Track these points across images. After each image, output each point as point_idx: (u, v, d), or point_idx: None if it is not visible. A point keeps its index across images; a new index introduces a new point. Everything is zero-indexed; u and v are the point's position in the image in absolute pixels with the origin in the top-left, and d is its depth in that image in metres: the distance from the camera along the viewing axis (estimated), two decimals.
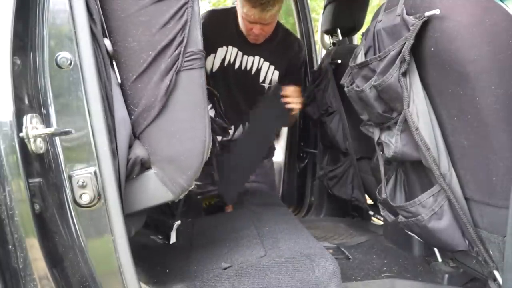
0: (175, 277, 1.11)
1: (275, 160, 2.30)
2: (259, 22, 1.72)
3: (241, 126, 2.00)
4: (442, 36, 0.99)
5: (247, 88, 1.94)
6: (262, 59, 1.90)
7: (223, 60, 1.87)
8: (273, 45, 1.89)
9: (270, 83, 1.94)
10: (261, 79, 1.93)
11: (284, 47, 1.93)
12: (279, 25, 1.91)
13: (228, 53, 1.88)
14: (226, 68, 1.88)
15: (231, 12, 1.87)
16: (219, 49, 1.85)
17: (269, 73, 1.93)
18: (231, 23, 1.85)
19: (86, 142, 0.80)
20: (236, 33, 1.85)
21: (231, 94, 1.91)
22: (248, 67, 1.91)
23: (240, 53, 1.88)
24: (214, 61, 1.86)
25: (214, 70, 1.88)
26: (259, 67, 1.91)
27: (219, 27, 1.84)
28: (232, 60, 1.88)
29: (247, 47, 1.87)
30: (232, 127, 1.97)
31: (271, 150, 2.24)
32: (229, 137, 2.02)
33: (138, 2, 0.90)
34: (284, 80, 1.96)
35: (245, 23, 1.76)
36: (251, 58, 1.90)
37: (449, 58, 0.98)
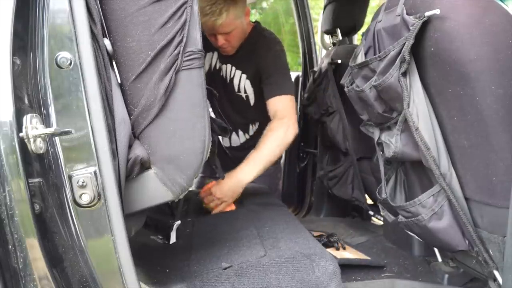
0: (175, 277, 1.11)
1: None
2: (215, 32, 1.68)
3: (234, 133, 2.00)
4: (442, 36, 0.99)
5: (230, 95, 1.91)
6: (234, 67, 1.86)
7: (210, 65, 1.86)
8: (242, 51, 1.84)
9: (245, 92, 1.90)
10: (235, 88, 1.89)
11: (251, 51, 1.83)
12: (256, 30, 1.86)
13: (213, 58, 1.87)
14: (212, 74, 1.87)
15: None
16: (207, 54, 1.84)
17: (241, 82, 1.88)
18: None
19: (86, 142, 0.80)
20: None
21: (220, 101, 1.87)
22: (225, 75, 1.89)
23: (219, 60, 1.86)
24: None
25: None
26: (232, 75, 1.88)
27: None
28: (217, 67, 1.87)
29: (222, 55, 1.85)
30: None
31: None
32: (228, 144, 2.02)
33: (138, 2, 0.90)
34: (264, 88, 1.81)
35: (208, 35, 1.72)
36: (224, 66, 1.87)
37: (449, 58, 0.98)
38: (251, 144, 2.03)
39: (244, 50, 1.83)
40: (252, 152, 1.68)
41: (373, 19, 1.27)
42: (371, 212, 1.95)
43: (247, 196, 1.79)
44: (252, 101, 1.93)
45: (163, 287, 1.05)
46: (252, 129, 2.03)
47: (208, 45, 1.81)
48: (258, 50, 1.82)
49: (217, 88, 1.86)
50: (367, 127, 1.37)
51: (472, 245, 1.07)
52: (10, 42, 0.75)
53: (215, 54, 1.87)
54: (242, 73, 1.87)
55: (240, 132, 2.01)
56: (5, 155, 0.73)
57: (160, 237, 1.48)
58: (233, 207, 1.71)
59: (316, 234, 1.62)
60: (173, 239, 1.44)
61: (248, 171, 1.64)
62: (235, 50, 1.81)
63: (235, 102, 1.93)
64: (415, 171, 1.25)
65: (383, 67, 1.10)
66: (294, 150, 2.48)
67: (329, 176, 2.02)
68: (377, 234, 1.80)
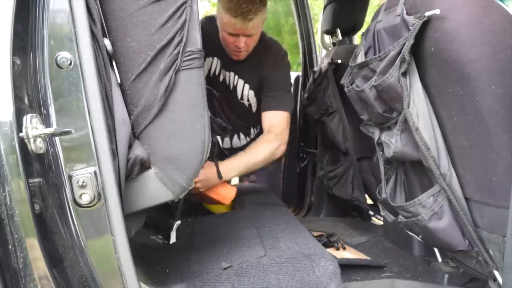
0: (175, 277, 1.11)
1: None
2: (242, 34, 1.65)
3: (236, 136, 1.99)
4: (442, 36, 0.99)
5: (231, 101, 1.91)
6: (236, 76, 1.85)
7: (209, 70, 1.84)
8: (247, 61, 1.81)
9: (248, 100, 1.89)
10: (238, 96, 1.89)
11: (257, 62, 1.82)
12: (263, 41, 1.84)
13: (213, 64, 1.85)
14: (212, 79, 1.85)
15: None
16: (207, 59, 1.82)
17: (244, 91, 1.87)
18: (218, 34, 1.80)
19: (86, 142, 0.80)
20: (221, 45, 1.80)
21: (220, 105, 1.84)
22: (227, 82, 1.88)
23: (221, 66, 1.84)
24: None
25: None
26: (235, 84, 1.87)
27: (210, 35, 1.76)
28: (217, 72, 1.86)
29: (226, 62, 1.83)
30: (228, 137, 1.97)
31: None
32: (229, 145, 2.02)
33: (137, 2, 0.90)
34: (263, 99, 1.84)
35: (226, 37, 1.69)
36: (227, 73, 1.86)
37: (449, 58, 0.98)
38: None
39: (249, 60, 1.81)
40: (241, 153, 1.70)
41: (373, 19, 1.27)
42: (371, 212, 1.95)
43: (247, 196, 1.79)
44: (254, 109, 1.94)
45: (163, 287, 1.05)
46: (254, 132, 2.03)
47: (208, 50, 1.79)
48: (265, 64, 1.82)
49: (218, 92, 1.85)
50: (367, 127, 1.37)
51: (472, 245, 1.07)
52: (10, 42, 0.75)
53: (215, 60, 1.85)
54: (245, 83, 1.86)
55: (242, 135, 2.02)
56: (5, 155, 0.73)
57: (160, 237, 1.48)
58: (226, 186, 1.67)
59: (316, 234, 1.62)
60: (173, 239, 1.44)
61: (231, 170, 1.65)
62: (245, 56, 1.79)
63: (237, 108, 1.93)
64: (415, 171, 1.25)
65: (383, 67, 1.10)
66: (294, 150, 2.48)
67: (329, 176, 2.02)
68: (377, 234, 1.80)
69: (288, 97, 1.85)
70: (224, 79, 1.88)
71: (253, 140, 2.03)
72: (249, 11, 1.57)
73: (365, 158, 1.84)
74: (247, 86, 1.86)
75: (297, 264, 1.09)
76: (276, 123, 1.76)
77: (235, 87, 1.88)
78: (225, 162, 1.66)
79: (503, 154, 0.95)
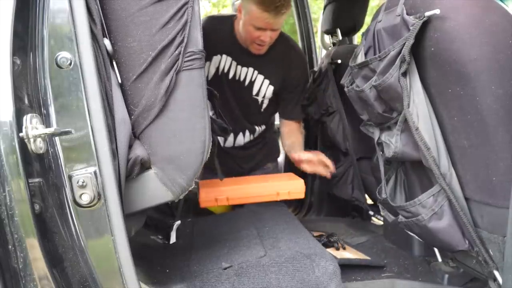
0: (175, 277, 1.11)
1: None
2: (270, 28, 1.65)
3: (241, 133, 2.00)
4: (442, 36, 0.99)
5: (241, 98, 1.90)
6: (256, 71, 1.85)
7: (217, 68, 1.84)
8: (269, 57, 1.81)
9: (263, 97, 1.89)
10: (254, 92, 1.88)
11: (281, 61, 1.84)
12: (284, 37, 1.85)
13: (222, 62, 1.84)
14: (220, 77, 1.84)
15: (228, 20, 1.82)
16: (214, 57, 1.82)
17: (263, 87, 1.87)
18: (228, 32, 1.81)
19: (86, 142, 0.81)
20: (232, 42, 1.80)
21: (226, 102, 1.87)
22: (242, 78, 1.87)
23: (234, 63, 1.83)
24: (209, 69, 1.82)
25: (208, 78, 1.83)
26: (253, 79, 1.86)
27: (215, 34, 1.78)
28: (226, 70, 1.85)
29: (242, 57, 1.82)
30: (232, 135, 1.97)
31: (276, 153, 2.24)
32: (231, 144, 2.02)
33: (139, 2, 0.90)
34: (280, 97, 1.91)
35: (251, 31, 1.68)
36: (244, 69, 1.85)
37: (449, 58, 0.98)
38: (253, 143, 2.04)
39: (269, 54, 1.81)
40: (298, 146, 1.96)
41: (373, 19, 1.27)
42: (371, 212, 1.95)
43: None
44: (264, 106, 1.94)
45: (163, 287, 1.05)
46: (258, 130, 2.03)
47: (215, 49, 1.79)
48: (288, 60, 1.85)
49: (226, 89, 1.85)
50: (367, 127, 1.37)
51: (472, 245, 1.07)
52: (10, 42, 0.75)
53: (225, 57, 1.84)
54: (265, 78, 1.85)
55: (247, 133, 2.01)
56: (5, 155, 0.73)
57: (160, 237, 1.48)
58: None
59: (316, 234, 1.62)
60: (173, 239, 1.44)
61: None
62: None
63: (247, 105, 1.92)
64: (415, 171, 1.26)
65: (383, 67, 1.10)
66: None
67: None
68: (377, 234, 1.80)
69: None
70: (236, 75, 1.86)
71: (256, 138, 2.03)
72: (282, 5, 1.59)
73: (365, 158, 1.84)
74: (266, 81, 1.86)
75: (297, 264, 1.09)
76: (297, 129, 2.01)
77: (252, 83, 1.87)
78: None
79: (503, 154, 0.95)
